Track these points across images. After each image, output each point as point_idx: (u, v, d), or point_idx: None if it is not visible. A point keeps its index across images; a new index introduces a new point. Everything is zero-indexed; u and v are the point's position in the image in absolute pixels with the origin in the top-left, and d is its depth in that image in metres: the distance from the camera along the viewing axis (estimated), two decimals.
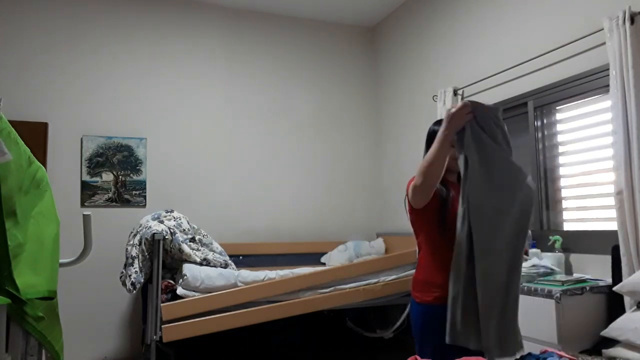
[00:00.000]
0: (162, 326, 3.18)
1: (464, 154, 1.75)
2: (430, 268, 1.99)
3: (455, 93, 3.88)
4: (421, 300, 1.98)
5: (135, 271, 3.30)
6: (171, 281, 3.44)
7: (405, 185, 1.99)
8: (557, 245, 2.96)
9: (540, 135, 3.30)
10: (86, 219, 2.22)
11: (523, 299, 2.59)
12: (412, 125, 4.62)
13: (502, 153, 1.76)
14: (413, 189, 1.86)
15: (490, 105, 1.80)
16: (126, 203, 4.28)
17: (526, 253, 3.00)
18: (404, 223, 4.68)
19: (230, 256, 3.92)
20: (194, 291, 3.33)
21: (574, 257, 2.97)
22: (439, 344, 1.92)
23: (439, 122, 2.05)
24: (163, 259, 3.51)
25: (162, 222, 3.56)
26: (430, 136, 2.02)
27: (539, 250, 2.98)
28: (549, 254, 2.96)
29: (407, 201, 2.01)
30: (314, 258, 4.62)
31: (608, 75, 2.67)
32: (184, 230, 3.65)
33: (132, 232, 3.64)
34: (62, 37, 4.21)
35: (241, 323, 3.37)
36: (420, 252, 2.07)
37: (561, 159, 3.20)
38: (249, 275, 3.51)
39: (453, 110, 1.74)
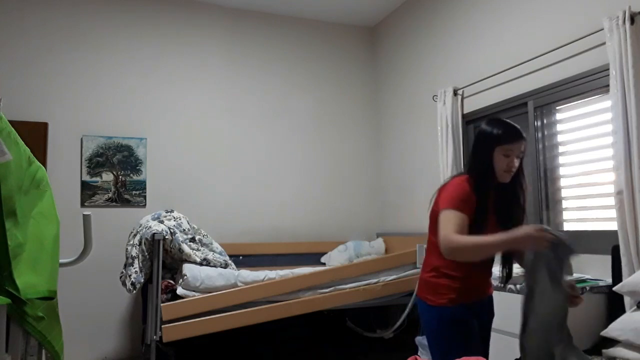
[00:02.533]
0: (162, 326, 3.17)
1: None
2: (450, 272, 1.96)
3: (455, 93, 3.88)
4: (435, 302, 1.98)
5: (135, 271, 3.30)
6: (171, 281, 3.44)
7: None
8: None
9: (540, 135, 3.30)
10: (86, 219, 2.22)
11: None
12: (412, 125, 4.62)
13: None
14: (451, 250, 1.79)
15: (567, 242, 1.72)
16: (126, 203, 4.28)
17: None
18: (404, 223, 4.68)
19: (230, 256, 3.92)
20: (194, 291, 3.33)
21: (574, 257, 2.96)
22: (455, 344, 1.93)
23: (491, 122, 2.01)
24: (163, 259, 3.51)
25: (162, 222, 3.56)
26: (480, 136, 2.00)
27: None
28: None
29: (432, 208, 2.02)
30: (314, 258, 4.62)
31: (608, 75, 2.67)
32: (184, 230, 3.65)
33: (132, 232, 3.64)
34: (63, 37, 4.21)
35: (241, 323, 3.37)
36: (435, 254, 2.01)
37: (561, 159, 3.20)
38: (249, 275, 3.51)
39: (534, 233, 1.68)
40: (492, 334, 2.12)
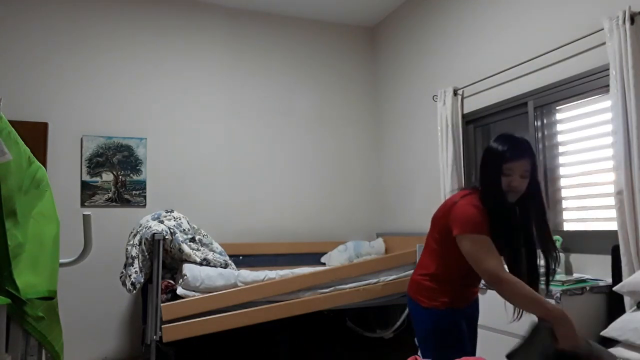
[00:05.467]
0: (162, 326, 3.17)
1: None
2: (444, 279, 1.99)
3: (455, 93, 3.88)
4: (428, 305, 2.01)
5: (135, 271, 3.30)
6: (171, 281, 3.44)
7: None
8: (557, 245, 2.96)
9: (540, 135, 3.29)
10: (86, 219, 2.22)
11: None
12: (412, 125, 4.62)
13: None
14: (498, 285, 1.75)
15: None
16: (126, 203, 4.28)
17: None
18: (404, 223, 4.68)
19: (230, 256, 3.92)
20: (194, 291, 3.33)
21: (574, 257, 2.97)
22: (447, 346, 1.97)
23: (498, 139, 1.95)
24: (163, 259, 3.51)
25: (162, 222, 3.56)
26: (486, 154, 1.95)
27: (539, 250, 2.98)
28: None
29: (438, 217, 2.00)
30: (314, 258, 4.62)
31: (608, 75, 2.67)
32: (184, 230, 3.65)
33: (132, 232, 3.64)
34: (63, 37, 4.21)
35: (241, 323, 3.37)
36: (432, 260, 2.04)
37: (561, 159, 3.20)
38: (249, 275, 3.51)
39: (570, 338, 1.64)
40: (481, 331, 2.21)
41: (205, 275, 3.38)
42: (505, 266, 1.89)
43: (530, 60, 3.24)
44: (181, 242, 3.50)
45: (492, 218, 1.88)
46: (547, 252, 1.96)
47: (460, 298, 2.03)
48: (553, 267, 1.95)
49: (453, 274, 1.99)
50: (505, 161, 1.86)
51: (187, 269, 3.38)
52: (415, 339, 3.40)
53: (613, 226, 2.74)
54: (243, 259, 4.39)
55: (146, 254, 3.39)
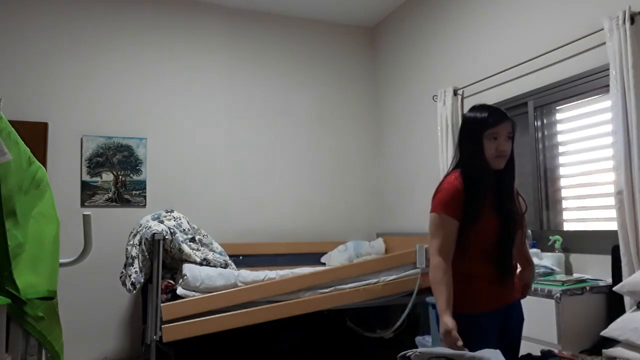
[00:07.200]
0: (162, 326, 3.17)
1: None
2: (463, 273, 1.84)
3: (455, 93, 3.88)
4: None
5: (135, 271, 3.30)
6: (171, 281, 3.44)
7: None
8: (557, 245, 2.96)
9: (540, 135, 3.30)
10: (86, 219, 2.22)
11: (523, 299, 2.59)
12: (412, 125, 4.62)
13: None
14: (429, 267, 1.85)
15: None
16: (126, 203, 4.28)
17: None
18: (404, 223, 4.68)
19: (230, 256, 3.92)
20: (194, 291, 3.32)
21: (574, 257, 2.97)
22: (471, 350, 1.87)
23: (473, 109, 1.96)
24: (163, 259, 3.50)
25: (162, 222, 3.56)
26: (466, 124, 1.94)
27: (539, 250, 2.98)
28: (549, 254, 2.96)
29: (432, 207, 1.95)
30: (314, 258, 4.62)
31: (608, 75, 2.67)
32: (184, 230, 3.65)
33: (132, 232, 3.64)
34: (63, 37, 4.21)
35: (241, 323, 3.36)
36: (454, 254, 1.95)
37: (561, 159, 3.20)
38: (249, 275, 3.51)
39: (445, 338, 1.72)
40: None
41: (205, 275, 3.38)
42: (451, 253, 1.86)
43: (530, 60, 3.24)
44: (181, 242, 3.50)
45: (473, 188, 1.84)
46: (508, 212, 1.90)
47: (486, 299, 1.84)
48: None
49: (472, 263, 1.84)
50: (489, 126, 1.84)
51: (187, 269, 3.38)
52: (415, 339, 3.40)
53: (613, 226, 2.74)
54: (243, 259, 4.39)
55: (146, 254, 3.39)
